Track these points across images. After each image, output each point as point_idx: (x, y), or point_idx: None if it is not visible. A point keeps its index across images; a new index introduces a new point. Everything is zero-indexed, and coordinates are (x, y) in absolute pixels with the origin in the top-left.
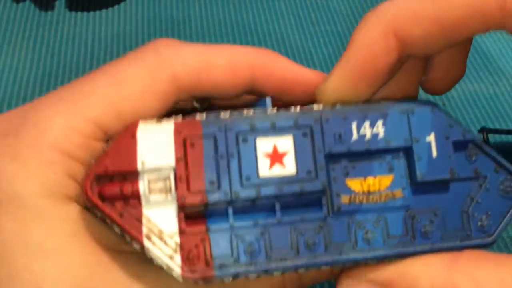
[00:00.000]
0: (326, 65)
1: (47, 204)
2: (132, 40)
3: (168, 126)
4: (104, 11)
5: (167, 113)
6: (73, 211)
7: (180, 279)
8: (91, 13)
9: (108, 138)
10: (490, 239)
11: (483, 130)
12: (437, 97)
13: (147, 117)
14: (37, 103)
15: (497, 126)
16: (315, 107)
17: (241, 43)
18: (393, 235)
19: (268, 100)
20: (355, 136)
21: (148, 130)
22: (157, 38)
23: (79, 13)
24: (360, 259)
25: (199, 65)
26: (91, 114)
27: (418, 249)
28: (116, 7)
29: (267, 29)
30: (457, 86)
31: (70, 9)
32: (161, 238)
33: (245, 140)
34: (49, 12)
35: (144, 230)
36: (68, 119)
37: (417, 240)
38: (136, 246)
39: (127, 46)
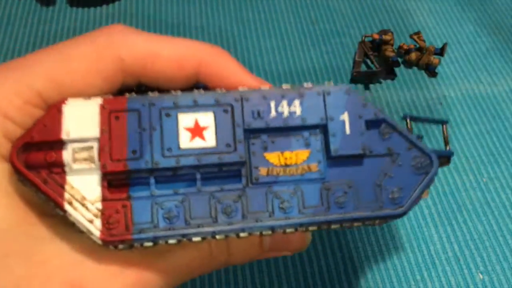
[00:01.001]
0: (324, 62)
1: None
2: None
3: (95, 102)
4: (104, 7)
5: (114, 95)
6: (5, 169)
7: (99, 242)
8: (92, 9)
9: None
10: (401, 210)
11: (405, 117)
12: (434, 96)
13: (90, 94)
14: None
15: (494, 126)
16: (240, 88)
17: (240, 40)
18: (309, 205)
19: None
20: (273, 113)
21: (75, 104)
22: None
23: (79, 9)
24: (276, 226)
25: (146, 53)
26: (33, 82)
27: (331, 218)
28: (116, 3)
29: (267, 27)
30: (455, 86)
31: (71, 5)
32: (83, 204)
33: (168, 115)
34: (50, 8)
35: (66, 196)
36: (11, 84)
37: (331, 210)
38: (58, 211)
39: None
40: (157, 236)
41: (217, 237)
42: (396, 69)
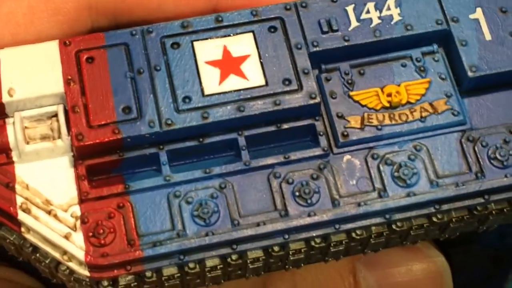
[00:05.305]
0: None
1: None
2: None
3: (52, 41)
4: None
5: None
6: None
7: (86, 272)
8: None
9: None
10: None
11: None
12: None
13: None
14: None
15: None
16: None
17: None
18: (446, 171)
19: None
20: (354, 23)
21: (19, 49)
22: None
23: None
24: (392, 209)
25: None
26: None
27: (491, 185)
28: None
29: None
30: None
31: None
32: (49, 212)
33: (175, 45)
34: None
35: (19, 200)
36: None
37: (487, 174)
38: (4, 231)
39: None
40: (186, 248)
41: (291, 246)
42: None
